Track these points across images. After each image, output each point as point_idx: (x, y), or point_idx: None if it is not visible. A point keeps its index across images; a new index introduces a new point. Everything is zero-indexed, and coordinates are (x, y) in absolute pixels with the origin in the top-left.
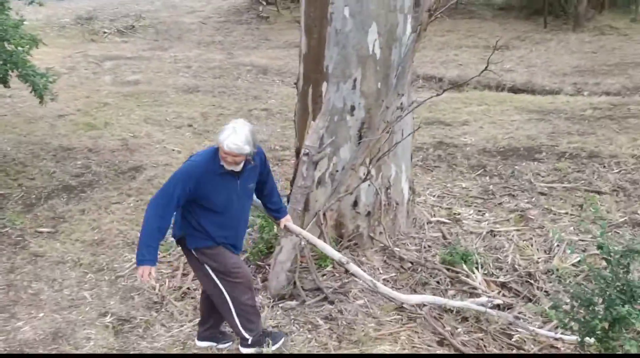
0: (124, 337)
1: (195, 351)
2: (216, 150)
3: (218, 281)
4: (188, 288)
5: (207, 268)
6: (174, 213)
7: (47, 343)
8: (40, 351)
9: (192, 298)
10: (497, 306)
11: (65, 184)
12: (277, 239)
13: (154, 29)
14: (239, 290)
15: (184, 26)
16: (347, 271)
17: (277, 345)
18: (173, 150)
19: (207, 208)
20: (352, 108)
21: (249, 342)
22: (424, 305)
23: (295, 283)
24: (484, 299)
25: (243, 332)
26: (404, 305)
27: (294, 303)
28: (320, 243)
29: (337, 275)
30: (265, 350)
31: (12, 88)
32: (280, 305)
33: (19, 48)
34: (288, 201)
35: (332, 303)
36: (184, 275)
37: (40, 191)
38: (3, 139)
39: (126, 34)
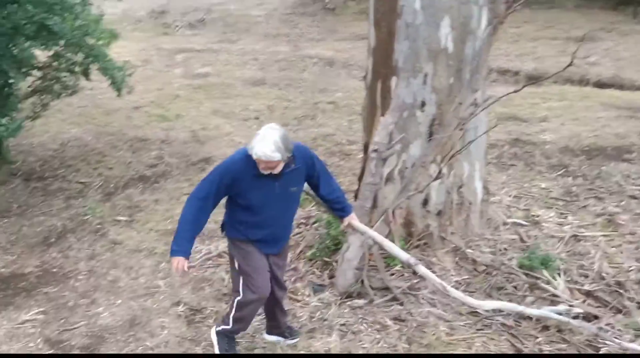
0: (195, 327)
1: (263, 345)
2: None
3: (240, 276)
4: None
5: (235, 260)
6: (213, 207)
7: (124, 329)
8: (119, 337)
9: None
10: (579, 316)
11: (141, 175)
12: (345, 236)
13: (223, 22)
14: (250, 296)
15: (252, 19)
16: (415, 273)
17: (291, 342)
18: (240, 143)
19: (244, 206)
20: (423, 104)
21: (222, 329)
22: (500, 311)
23: (363, 281)
24: (563, 308)
25: (229, 319)
26: (478, 310)
27: (361, 301)
28: (387, 243)
29: (406, 275)
30: (282, 342)
31: (92, 81)
32: (347, 303)
33: (99, 42)
34: (355, 198)
35: (401, 303)
36: None
37: (118, 181)
38: (84, 129)
39: (196, 27)
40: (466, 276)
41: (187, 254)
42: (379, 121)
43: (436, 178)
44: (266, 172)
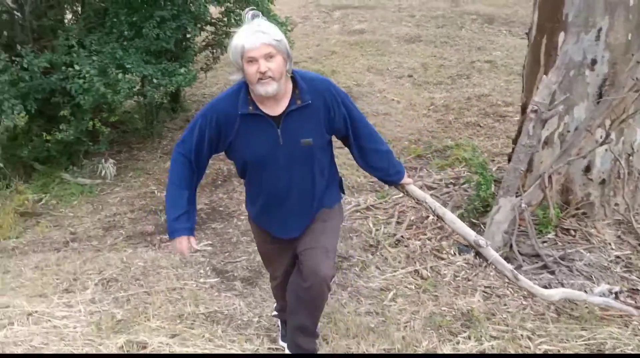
0: (343, 273)
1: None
2: (243, 83)
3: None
4: (402, 236)
5: None
6: (199, 165)
7: None
8: None
9: (405, 246)
10: None
11: None
12: (495, 198)
13: None
14: (271, 281)
15: None
16: (479, 255)
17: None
18: (392, 100)
19: (240, 170)
20: (594, 62)
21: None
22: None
23: (511, 245)
24: None
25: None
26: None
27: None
28: (449, 216)
29: (559, 243)
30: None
31: None
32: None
33: None
34: (509, 160)
35: (552, 272)
36: (397, 223)
37: None
38: None
39: None
40: (628, 251)
41: (189, 231)
42: (541, 80)
43: (602, 143)
44: (261, 90)
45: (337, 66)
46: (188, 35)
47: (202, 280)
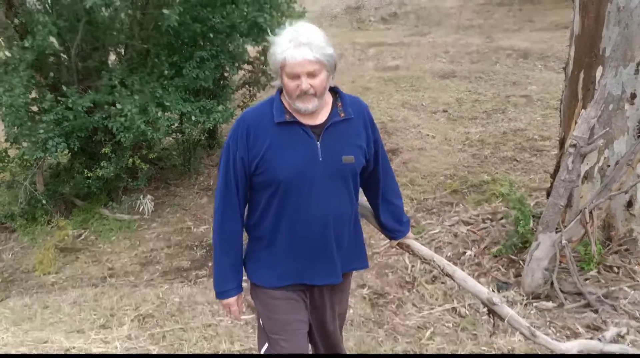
0: (379, 310)
1: None
2: (278, 91)
3: (264, 335)
4: (438, 273)
5: (259, 312)
6: (243, 196)
7: None
8: None
9: (442, 283)
10: None
11: None
12: (534, 234)
13: (415, 14)
14: None
15: (444, 11)
16: (492, 313)
17: None
18: (427, 135)
19: (270, 193)
20: (633, 96)
21: None
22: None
23: (552, 283)
24: None
25: None
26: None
27: (550, 304)
28: (461, 274)
29: (602, 280)
30: None
31: None
32: (534, 304)
33: None
34: (548, 196)
35: (595, 311)
36: None
37: None
38: None
39: (389, 21)
40: None
41: (239, 289)
42: (579, 114)
43: None
44: (301, 105)
45: (372, 102)
46: (226, 74)
47: None
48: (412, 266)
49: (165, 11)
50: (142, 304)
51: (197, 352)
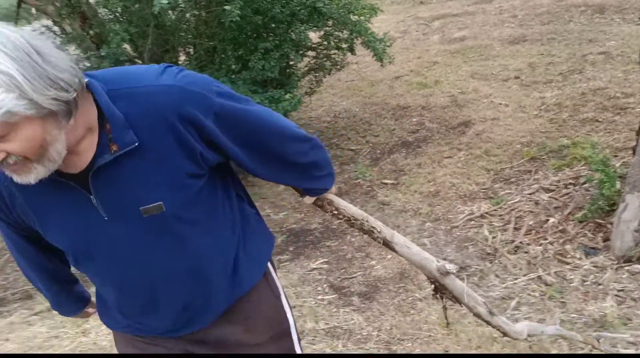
0: None
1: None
2: None
3: None
4: (521, 242)
5: None
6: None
7: (395, 281)
8: (390, 287)
9: (525, 252)
10: None
11: (404, 140)
12: (621, 196)
13: None
14: None
15: None
16: (440, 290)
17: None
18: (500, 104)
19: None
20: None
21: None
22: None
23: None
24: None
25: None
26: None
27: None
28: (400, 239)
29: None
30: None
31: (357, 55)
32: (625, 268)
33: (361, 18)
34: (633, 153)
35: None
36: (515, 229)
37: (383, 147)
38: (352, 101)
39: None
40: None
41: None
42: None
43: None
44: (17, 179)
45: (439, 75)
46: (291, 63)
47: (320, 297)
48: (493, 237)
49: (226, 7)
50: None
51: None
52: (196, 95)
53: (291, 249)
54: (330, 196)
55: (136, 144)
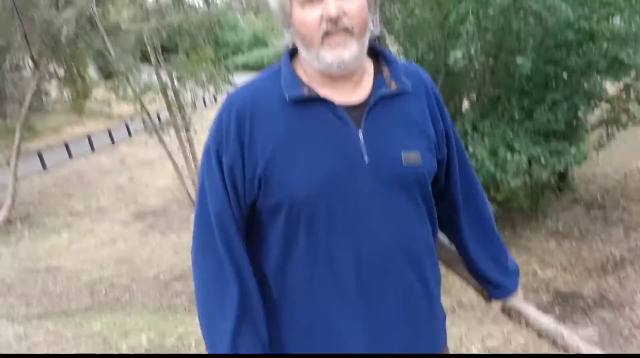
0: None
1: None
2: (287, 55)
3: None
4: None
5: None
6: (239, 228)
7: None
8: None
9: None
10: None
11: None
12: None
13: None
14: None
15: None
16: None
17: None
18: None
19: (276, 221)
20: None
21: None
22: None
23: None
24: None
25: None
26: None
27: None
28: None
29: None
30: None
31: None
32: None
33: None
34: None
35: None
36: None
37: None
38: None
39: None
40: None
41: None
42: None
43: None
44: (331, 58)
45: None
46: (579, 114)
47: None
48: None
49: (519, 61)
50: (487, 338)
51: None
52: (430, 79)
53: (557, 312)
54: (519, 303)
55: (409, 89)
